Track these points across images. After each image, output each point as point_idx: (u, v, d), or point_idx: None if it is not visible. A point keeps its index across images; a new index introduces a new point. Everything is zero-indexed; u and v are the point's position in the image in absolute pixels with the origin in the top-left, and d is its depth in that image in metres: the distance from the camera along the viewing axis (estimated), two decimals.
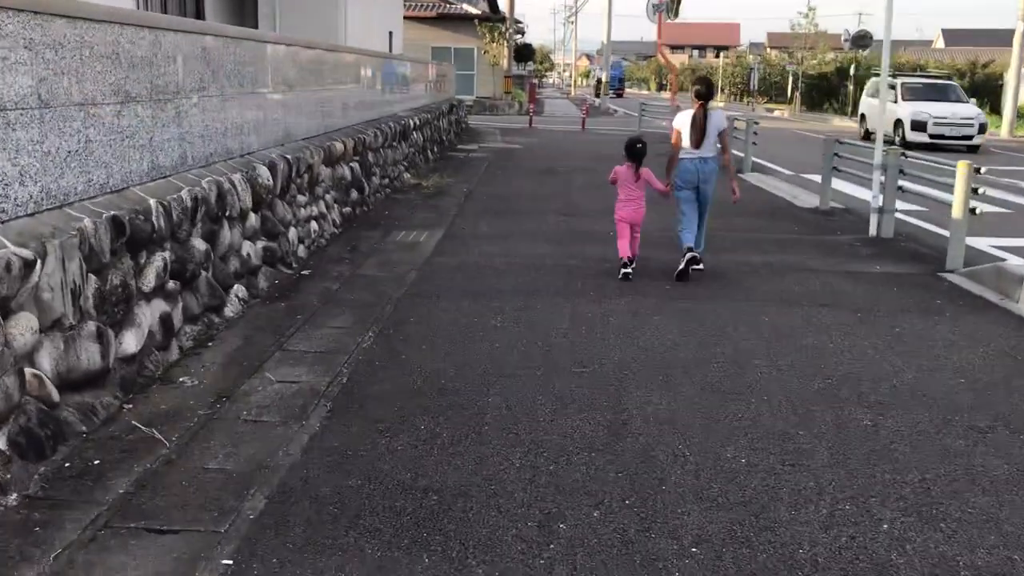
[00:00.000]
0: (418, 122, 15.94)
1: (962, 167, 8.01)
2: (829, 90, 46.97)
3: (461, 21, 37.30)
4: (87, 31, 4.60)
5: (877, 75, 26.03)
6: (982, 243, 9.21)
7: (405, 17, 26.85)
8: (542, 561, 3.09)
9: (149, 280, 4.95)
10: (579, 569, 3.05)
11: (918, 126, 22.31)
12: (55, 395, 3.92)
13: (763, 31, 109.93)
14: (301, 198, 8.19)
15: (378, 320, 6.02)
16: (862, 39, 40.13)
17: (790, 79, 50.10)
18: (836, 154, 11.58)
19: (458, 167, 16.26)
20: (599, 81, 59.03)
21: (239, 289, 6.29)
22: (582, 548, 3.17)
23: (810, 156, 19.51)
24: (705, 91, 7.80)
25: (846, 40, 41.67)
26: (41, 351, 3.89)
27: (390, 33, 22.13)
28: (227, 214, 6.24)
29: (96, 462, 3.72)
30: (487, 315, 6.20)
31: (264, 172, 7.03)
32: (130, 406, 4.37)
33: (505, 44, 37.41)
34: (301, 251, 7.91)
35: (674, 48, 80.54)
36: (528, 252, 8.45)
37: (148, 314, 4.90)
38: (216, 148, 6.53)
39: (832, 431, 4.27)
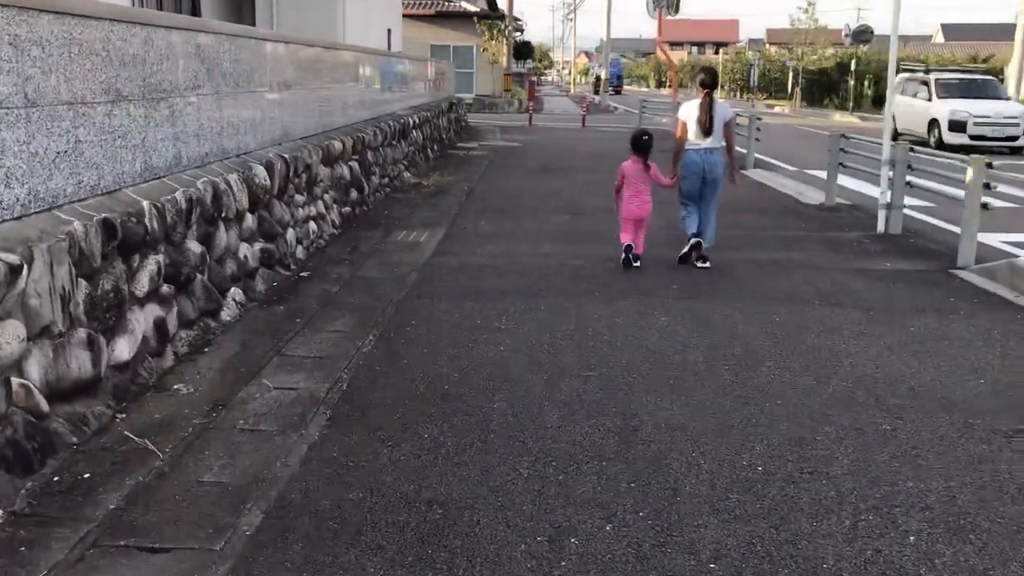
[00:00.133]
0: (418, 120, 15.78)
1: (974, 162, 7.85)
2: (829, 85, 46.78)
3: (460, 19, 37.11)
4: (75, 27, 4.44)
5: (909, 70, 24.86)
6: (992, 239, 9.05)
7: (404, 15, 26.70)
8: None
9: (142, 284, 4.79)
10: None
11: (957, 126, 20.22)
12: (44, 405, 3.77)
13: (762, 27, 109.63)
14: (299, 198, 8.04)
15: (379, 323, 5.87)
16: (863, 34, 39.99)
17: (790, 75, 49.93)
18: (842, 149, 11.42)
19: (458, 165, 16.10)
20: (598, 78, 58.90)
21: (236, 292, 6.14)
22: (595, 565, 3.02)
23: (813, 152, 19.36)
24: (710, 80, 7.75)
25: (847, 35, 41.53)
26: (29, 360, 3.74)
27: (389, 31, 21.97)
28: (223, 215, 6.09)
29: (86, 475, 3.57)
30: (491, 317, 6.05)
31: (261, 172, 6.88)
32: (123, 415, 4.22)
33: (504, 42, 37.23)
34: (300, 252, 7.75)
35: (673, 45, 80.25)
36: (531, 252, 8.30)
37: (141, 319, 4.75)
38: (212, 148, 6.38)
39: (850, 436, 4.12)
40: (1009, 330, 5.95)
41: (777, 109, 43.67)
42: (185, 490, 3.51)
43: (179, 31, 5.87)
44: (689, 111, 7.71)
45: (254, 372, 4.88)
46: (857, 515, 3.37)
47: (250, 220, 6.66)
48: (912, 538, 3.21)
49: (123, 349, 4.49)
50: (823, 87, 47.24)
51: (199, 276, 5.59)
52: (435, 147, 17.97)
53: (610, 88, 51.90)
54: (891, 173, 9.44)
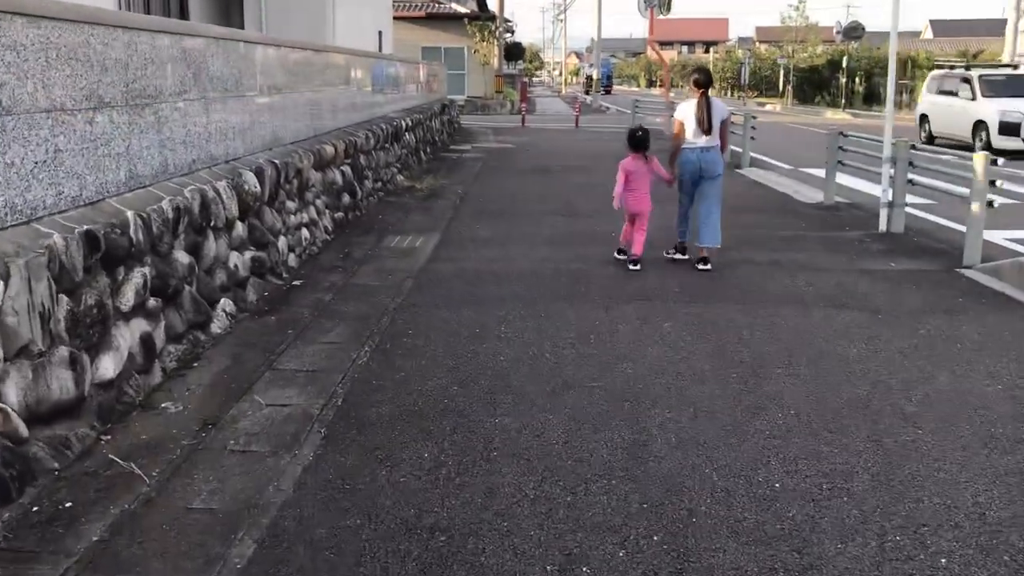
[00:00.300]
0: (410, 123, 15.60)
1: (979, 159, 7.70)
2: (820, 83, 46.76)
3: (450, 20, 36.92)
4: (52, 31, 4.25)
5: (941, 66, 23.24)
6: (996, 236, 8.90)
7: (394, 17, 26.48)
8: None
9: (128, 298, 4.60)
10: None
11: (1009, 129, 17.67)
12: (23, 430, 3.57)
13: (751, 26, 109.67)
14: (291, 204, 7.85)
15: (374, 333, 5.68)
16: (854, 31, 39.94)
17: (781, 73, 49.89)
18: (840, 147, 11.27)
19: (452, 168, 15.92)
20: (589, 78, 58.75)
21: (226, 303, 5.94)
22: None
23: (807, 149, 19.23)
24: (705, 80, 7.75)
25: (838, 32, 41.47)
26: (6, 382, 3.55)
27: (379, 33, 21.78)
28: (212, 224, 5.90)
29: (68, 504, 3.38)
30: (490, 325, 5.87)
31: (251, 178, 6.69)
32: (108, 437, 4.02)
33: (495, 43, 37.05)
34: (292, 260, 7.56)
35: (663, 44, 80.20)
36: (528, 256, 8.12)
37: (127, 335, 4.56)
38: (199, 155, 6.18)
39: (870, 448, 3.95)
40: (1020, 331, 5.79)
41: (769, 107, 43.59)
42: (173, 518, 3.32)
43: (164, 35, 5.67)
44: (686, 111, 7.68)
45: (245, 388, 4.69)
46: (883, 536, 3.19)
47: (240, 228, 6.47)
48: (943, 560, 3.04)
49: (108, 367, 4.29)
50: (814, 85, 47.21)
51: (187, 288, 5.39)
52: (428, 150, 17.78)
53: (600, 88, 51.76)
54: (892, 171, 9.28)
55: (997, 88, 18.87)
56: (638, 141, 7.64)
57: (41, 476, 3.56)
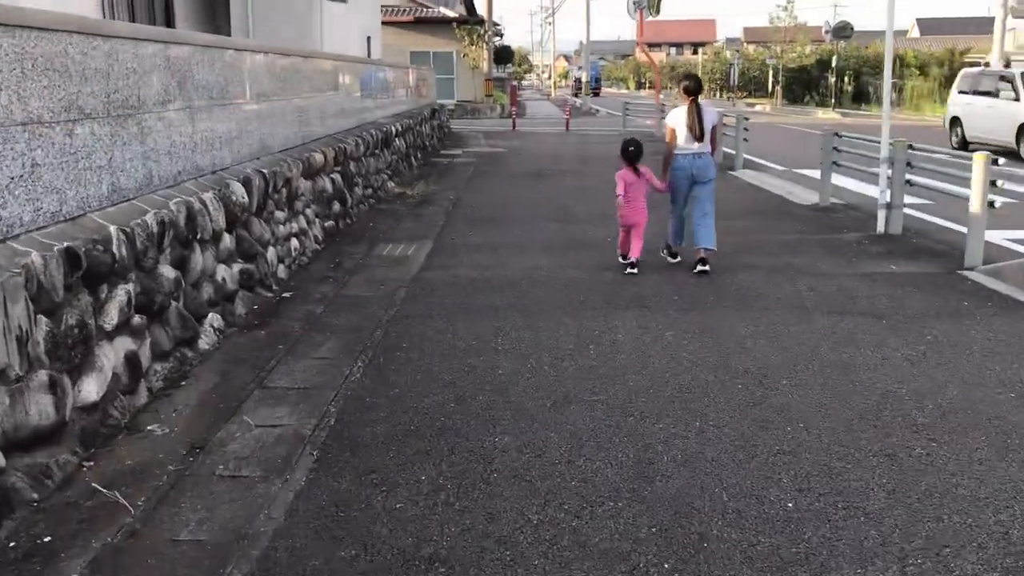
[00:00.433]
0: (400, 128, 15.44)
1: (979, 158, 7.59)
2: (809, 83, 46.81)
3: (439, 25, 36.80)
4: (27, 41, 4.08)
5: (973, 64, 21.84)
6: (996, 236, 8.78)
7: (383, 22, 26.36)
8: None
9: (111, 317, 4.43)
10: None
11: None
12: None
13: (739, 27, 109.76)
14: (280, 214, 7.68)
15: (367, 347, 5.52)
16: (843, 30, 39.96)
17: (770, 73, 49.91)
18: (835, 148, 11.15)
19: (443, 173, 15.76)
20: (577, 81, 58.72)
21: (214, 318, 5.78)
22: None
23: (799, 150, 19.15)
24: (695, 87, 7.83)
25: (827, 32, 41.48)
26: None
27: (368, 38, 21.63)
28: (198, 237, 5.73)
29: (47, 539, 3.21)
30: (486, 336, 5.71)
31: (238, 189, 6.52)
32: (91, 463, 3.85)
33: (484, 47, 36.90)
34: (281, 271, 7.39)
35: (651, 46, 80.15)
36: (523, 263, 7.97)
37: (111, 355, 4.39)
38: (185, 165, 6.02)
39: (883, 463, 3.80)
40: None
41: (759, 108, 43.58)
42: (158, 551, 3.15)
43: (146, 43, 5.51)
44: (678, 117, 7.75)
45: (234, 407, 4.53)
46: (905, 559, 3.05)
47: (228, 240, 6.30)
48: None
49: (91, 389, 4.12)
50: (803, 84, 47.26)
51: (174, 303, 5.23)
52: (419, 155, 17.62)
53: (589, 91, 51.70)
54: (890, 171, 9.17)
55: None
56: (631, 155, 7.63)
57: (19, 508, 3.39)
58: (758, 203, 11.93)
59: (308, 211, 8.70)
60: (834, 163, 11.22)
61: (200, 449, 4.02)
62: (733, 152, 15.92)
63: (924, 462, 3.82)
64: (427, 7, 37.92)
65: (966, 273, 7.40)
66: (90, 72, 4.71)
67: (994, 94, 18.15)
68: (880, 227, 9.28)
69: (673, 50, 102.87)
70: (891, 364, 5.12)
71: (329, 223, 9.43)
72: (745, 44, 72.34)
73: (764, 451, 3.94)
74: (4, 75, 3.86)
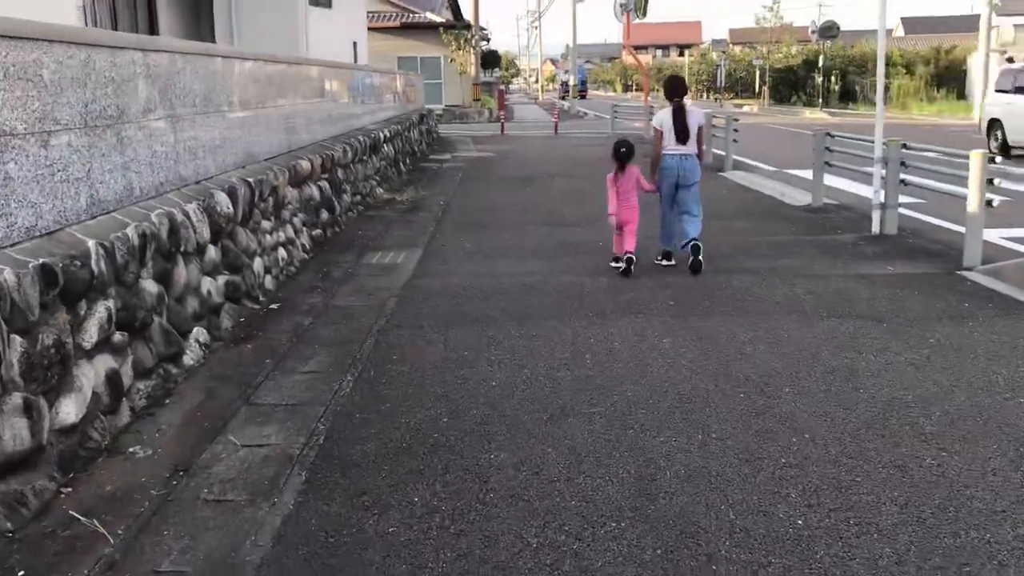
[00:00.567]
0: (388, 134, 15.28)
1: (976, 157, 7.48)
2: (796, 83, 46.85)
3: (425, 30, 36.65)
4: None
5: (1012, 59, 20.68)
6: (993, 235, 8.67)
7: (369, 28, 26.19)
8: None
9: (91, 335, 4.27)
10: None
11: None
12: None
13: (724, 28, 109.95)
14: (266, 224, 7.52)
15: (357, 360, 5.37)
16: (829, 30, 39.96)
17: (757, 73, 49.95)
18: (827, 148, 11.05)
19: (432, 179, 15.62)
20: (564, 84, 58.65)
21: (199, 332, 5.61)
22: None
23: (789, 150, 19.08)
24: (675, 89, 7.95)
25: (813, 32, 41.50)
26: None
27: (354, 44, 21.49)
28: (182, 249, 5.57)
29: (21, 572, 3.05)
30: (479, 347, 5.57)
31: (223, 199, 6.36)
32: (69, 489, 3.69)
33: (471, 51, 36.77)
34: (268, 282, 7.23)
35: (637, 48, 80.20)
36: (515, 270, 7.83)
37: (91, 374, 4.22)
38: (167, 176, 5.86)
39: (894, 476, 3.67)
40: None
41: (746, 108, 43.58)
42: None
43: (126, 51, 5.35)
44: (664, 119, 7.85)
45: (220, 427, 4.37)
46: None
47: (212, 252, 6.14)
48: None
49: (69, 411, 3.96)
50: (790, 84, 47.30)
51: (156, 318, 5.06)
52: (407, 161, 17.47)
53: (576, 93, 51.64)
54: (884, 171, 9.07)
55: None
56: (623, 156, 7.65)
57: None
58: (750, 204, 11.83)
59: (295, 220, 8.54)
60: (826, 163, 11.12)
61: (184, 472, 3.87)
62: (723, 153, 15.82)
63: (935, 473, 3.69)
64: (414, 12, 37.78)
65: (965, 273, 7.29)
66: (66, 81, 4.56)
67: None
68: (875, 227, 9.18)
69: (659, 52, 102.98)
70: (895, 369, 4.99)
71: (317, 231, 9.28)
72: (731, 45, 72.46)
73: (770, 464, 3.81)
74: None
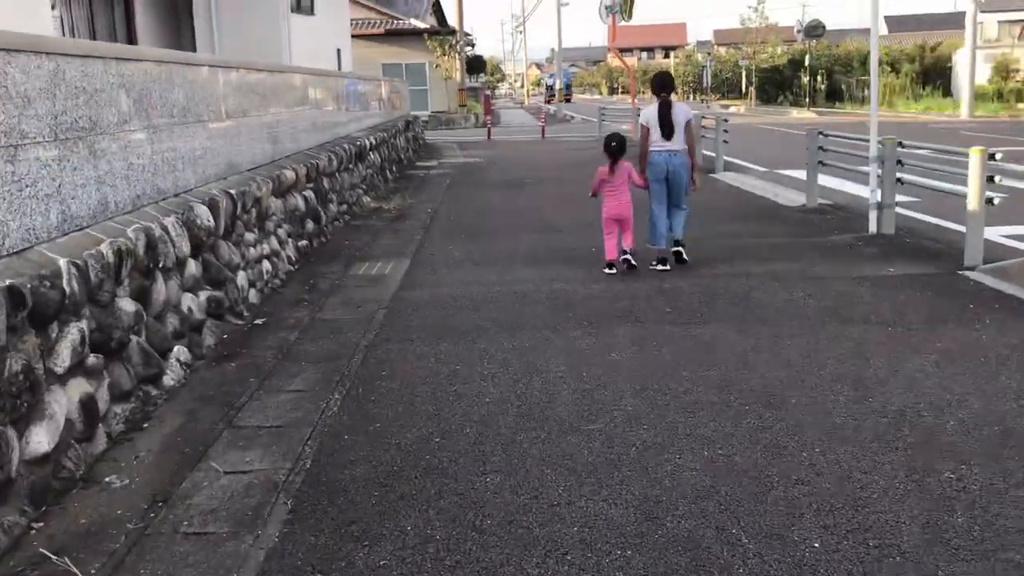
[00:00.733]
0: (374, 141, 15.08)
1: (976, 154, 7.33)
2: (782, 82, 46.89)
3: (410, 36, 36.48)
4: None
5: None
6: (993, 233, 8.53)
7: (353, 35, 26.01)
8: None
9: (63, 358, 4.05)
10: None
11: None
12: None
13: (709, 29, 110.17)
14: (249, 236, 7.30)
15: (344, 377, 5.16)
16: (815, 29, 40.00)
17: (743, 74, 49.95)
18: (821, 148, 10.90)
19: (420, 186, 15.42)
20: (549, 88, 58.59)
21: (180, 351, 5.39)
22: None
23: (778, 150, 18.99)
24: (661, 84, 7.90)
25: (799, 31, 41.53)
26: None
27: (338, 51, 21.29)
28: (161, 265, 5.35)
29: None
30: (471, 361, 5.37)
31: (203, 212, 6.15)
32: (41, 524, 3.47)
33: (456, 57, 36.63)
34: (253, 296, 7.01)
35: (623, 51, 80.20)
36: (506, 278, 7.63)
37: (64, 400, 4.00)
38: (144, 189, 5.65)
39: (912, 491, 3.49)
40: None
41: (733, 109, 43.58)
42: None
43: (97, 60, 5.14)
44: (650, 115, 7.80)
45: (201, 452, 4.15)
46: None
47: (193, 267, 5.92)
48: None
49: (41, 440, 3.74)
50: (776, 84, 47.35)
51: (135, 338, 4.84)
52: (394, 168, 17.27)
53: (563, 97, 51.57)
54: (880, 170, 8.91)
55: None
56: (614, 150, 7.64)
57: None
58: (745, 206, 11.67)
59: (280, 231, 8.33)
60: (820, 163, 10.98)
61: (163, 502, 3.65)
62: (714, 155, 15.68)
63: (956, 488, 3.50)
64: (398, 19, 37.62)
65: (967, 273, 7.13)
66: (33, 93, 4.34)
67: None
68: (872, 227, 9.02)
69: (644, 54, 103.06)
70: (903, 376, 4.82)
71: (303, 242, 9.06)
72: (716, 46, 72.55)
73: (781, 482, 3.62)
74: None
